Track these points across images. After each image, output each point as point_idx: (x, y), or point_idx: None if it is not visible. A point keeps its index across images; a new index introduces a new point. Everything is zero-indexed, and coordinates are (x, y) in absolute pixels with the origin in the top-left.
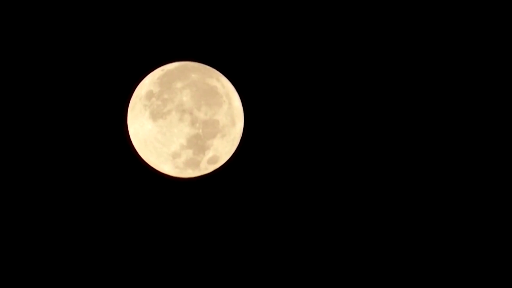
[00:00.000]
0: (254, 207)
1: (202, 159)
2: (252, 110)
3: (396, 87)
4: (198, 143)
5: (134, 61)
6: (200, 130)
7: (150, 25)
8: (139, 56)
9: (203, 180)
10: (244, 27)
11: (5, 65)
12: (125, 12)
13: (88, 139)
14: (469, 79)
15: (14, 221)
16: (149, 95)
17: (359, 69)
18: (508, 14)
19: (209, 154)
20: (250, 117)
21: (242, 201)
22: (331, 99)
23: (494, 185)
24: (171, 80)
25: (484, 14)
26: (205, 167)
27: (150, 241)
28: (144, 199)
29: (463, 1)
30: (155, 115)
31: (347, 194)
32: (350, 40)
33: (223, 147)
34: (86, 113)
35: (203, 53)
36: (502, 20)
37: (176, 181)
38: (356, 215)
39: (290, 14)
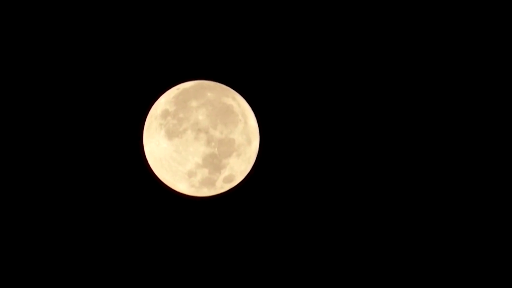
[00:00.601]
0: (270, 226)
1: (218, 178)
2: (267, 129)
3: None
4: (213, 162)
5: (149, 80)
6: (216, 149)
7: (166, 44)
8: (155, 75)
9: (219, 199)
10: (259, 47)
11: (22, 81)
12: (141, 32)
13: (104, 158)
14: (468, 79)
15: (30, 234)
16: (165, 114)
17: (375, 88)
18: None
19: (225, 173)
20: (265, 136)
21: (258, 220)
22: (346, 119)
23: (494, 185)
24: (186, 99)
25: (484, 14)
26: (221, 186)
27: (166, 260)
28: (160, 218)
29: (463, 1)
30: (171, 134)
31: (366, 213)
32: (365, 61)
33: (238, 166)
34: (102, 132)
35: (218, 72)
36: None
37: (192, 200)
38: (373, 236)
39: (305, 33)
